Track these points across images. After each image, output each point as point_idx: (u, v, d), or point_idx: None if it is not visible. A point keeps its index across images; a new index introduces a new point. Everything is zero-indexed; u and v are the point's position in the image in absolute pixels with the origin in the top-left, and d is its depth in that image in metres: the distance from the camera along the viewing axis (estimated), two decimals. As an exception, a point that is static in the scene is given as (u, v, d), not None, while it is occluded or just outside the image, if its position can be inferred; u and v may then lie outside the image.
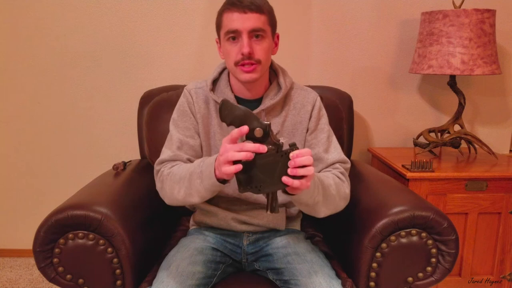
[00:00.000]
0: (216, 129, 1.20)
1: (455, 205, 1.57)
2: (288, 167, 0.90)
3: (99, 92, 1.88)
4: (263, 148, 0.90)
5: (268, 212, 0.95)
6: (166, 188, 1.11)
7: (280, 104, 1.21)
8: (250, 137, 0.93)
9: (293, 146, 0.91)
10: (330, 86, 1.72)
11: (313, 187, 0.99)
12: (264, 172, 0.92)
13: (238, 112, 0.93)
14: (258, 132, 0.92)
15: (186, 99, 1.21)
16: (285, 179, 0.90)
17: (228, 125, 0.95)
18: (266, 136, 0.92)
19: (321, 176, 1.07)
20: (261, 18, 1.07)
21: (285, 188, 0.93)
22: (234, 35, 1.07)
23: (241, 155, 0.89)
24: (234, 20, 1.06)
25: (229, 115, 0.94)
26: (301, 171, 0.89)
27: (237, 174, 0.93)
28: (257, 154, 0.92)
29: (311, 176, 0.91)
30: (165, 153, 1.17)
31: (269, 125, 0.92)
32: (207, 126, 1.20)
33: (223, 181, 0.99)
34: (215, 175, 0.97)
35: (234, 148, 0.90)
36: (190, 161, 1.16)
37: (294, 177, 0.90)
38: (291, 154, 0.90)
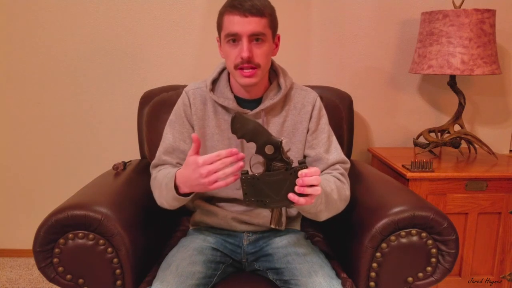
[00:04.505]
0: (214, 130, 1.20)
1: (455, 205, 1.57)
2: (295, 184, 0.91)
3: (99, 92, 1.88)
4: (235, 150, 0.93)
5: (272, 226, 0.96)
6: (153, 192, 1.18)
7: (280, 104, 1.21)
8: (260, 153, 0.92)
9: (303, 164, 0.91)
10: (330, 86, 1.72)
11: (316, 198, 1.00)
12: (271, 189, 0.92)
13: (250, 126, 0.93)
14: (269, 148, 0.91)
15: (183, 101, 1.22)
16: (291, 196, 0.91)
17: (239, 138, 0.95)
18: (277, 153, 0.91)
19: (323, 182, 1.07)
20: (262, 22, 1.06)
21: (291, 204, 0.93)
22: (234, 38, 1.07)
23: (228, 171, 0.94)
24: (235, 23, 1.05)
25: (241, 128, 0.94)
26: (308, 190, 0.90)
27: (243, 187, 0.93)
28: (266, 171, 0.92)
29: (316, 195, 0.93)
30: (157, 157, 1.23)
31: (281, 142, 0.91)
32: (203, 127, 1.21)
33: (187, 194, 1.05)
34: (179, 189, 1.04)
35: (213, 168, 0.94)
36: (180, 164, 1.19)
37: (300, 194, 0.91)
38: (299, 173, 0.90)
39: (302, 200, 0.91)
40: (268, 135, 0.92)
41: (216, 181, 0.95)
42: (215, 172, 0.94)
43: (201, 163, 0.94)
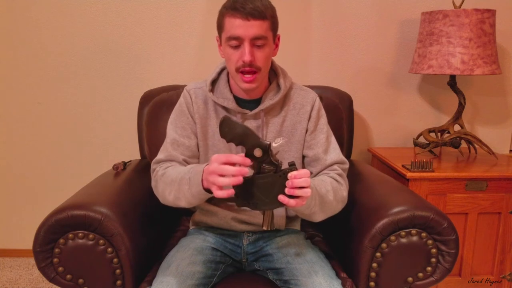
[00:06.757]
0: (215, 129, 1.20)
1: (455, 205, 1.57)
2: (285, 186, 0.91)
3: (99, 92, 1.88)
4: (248, 162, 0.91)
5: (264, 228, 0.96)
6: (159, 188, 1.13)
7: (280, 104, 1.21)
8: (249, 156, 0.93)
9: (292, 166, 0.92)
10: (330, 86, 1.72)
11: (309, 200, 1.00)
12: (261, 191, 0.93)
13: (238, 130, 0.93)
14: (258, 152, 0.92)
15: (184, 99, 1.21)
16: (281, 198, 0.92)
17: (228, 141, 0.96)
18: (266, 156, 0.92)
19: (318, 183, 1.07)
20: (264, 25, 1.06)
21: (281, 206, 0.94)
22: (236, 41, 1.07)
23: (226, 181, 0.90)
24: (237, 26, 1.05)
25: (229, 132, 0.94)
26: (298, 192, 0.91)
27: (235, 188, 0.93)
28: (256, 174, 0.93)
29: (307, 197, 0.93)
30: (162, 153, 1.19)
31: (269, 145, 0.92)
32: (205, 126, 1.20)
33: (210, 190, 0.99)
34: (202, 185, 0.98)
35: (219, 171, 0.91)
36: (185, 161, 1.17)
37: (290, 196, 0.91)
38: (289, 175, 0.91)
39: (292, 202, 0.92)
40: (256, 138, 0.92)
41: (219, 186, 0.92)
42: (218, 175, 0.91)
43: (213, 159, 0.93)
